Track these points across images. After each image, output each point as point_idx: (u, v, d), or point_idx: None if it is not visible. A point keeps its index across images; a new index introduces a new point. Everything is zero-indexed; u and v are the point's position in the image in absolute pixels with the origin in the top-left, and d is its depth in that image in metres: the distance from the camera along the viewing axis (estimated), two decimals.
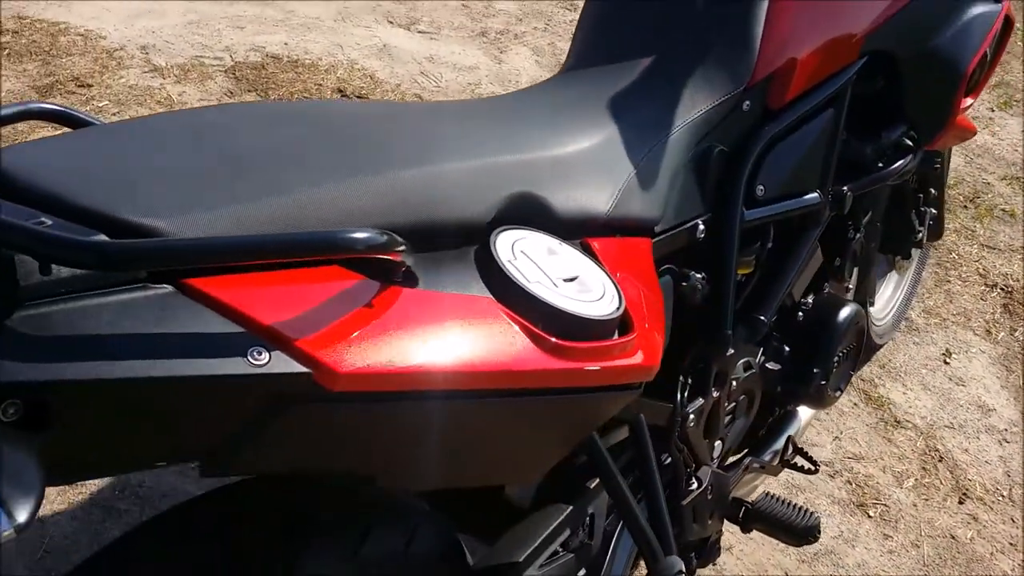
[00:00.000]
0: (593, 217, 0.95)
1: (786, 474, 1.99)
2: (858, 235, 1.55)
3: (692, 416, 1.22)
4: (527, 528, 1.09)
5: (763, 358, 1.44)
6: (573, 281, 0.84)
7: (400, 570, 1.01)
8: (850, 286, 1.65)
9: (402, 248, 0.69)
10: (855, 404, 2.21)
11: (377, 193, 0.75)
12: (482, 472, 0.87)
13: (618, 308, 0.84)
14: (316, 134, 0.82)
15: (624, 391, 0.88)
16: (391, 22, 3.52)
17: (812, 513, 1.38)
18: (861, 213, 1.53)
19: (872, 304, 2.28)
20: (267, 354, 0.61)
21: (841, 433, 2.12)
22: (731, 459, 1.45)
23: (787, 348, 1.48)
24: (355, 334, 0.65)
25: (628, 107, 1.11)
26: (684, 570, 1.00)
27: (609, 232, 0.99)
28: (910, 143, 1.49)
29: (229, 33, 3.28)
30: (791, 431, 1.57)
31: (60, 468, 0.58)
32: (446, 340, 0.71)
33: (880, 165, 1.45)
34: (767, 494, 1.43)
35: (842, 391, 1.57)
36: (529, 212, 0.88)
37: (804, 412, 1.63)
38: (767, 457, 1.51)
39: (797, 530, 1.37)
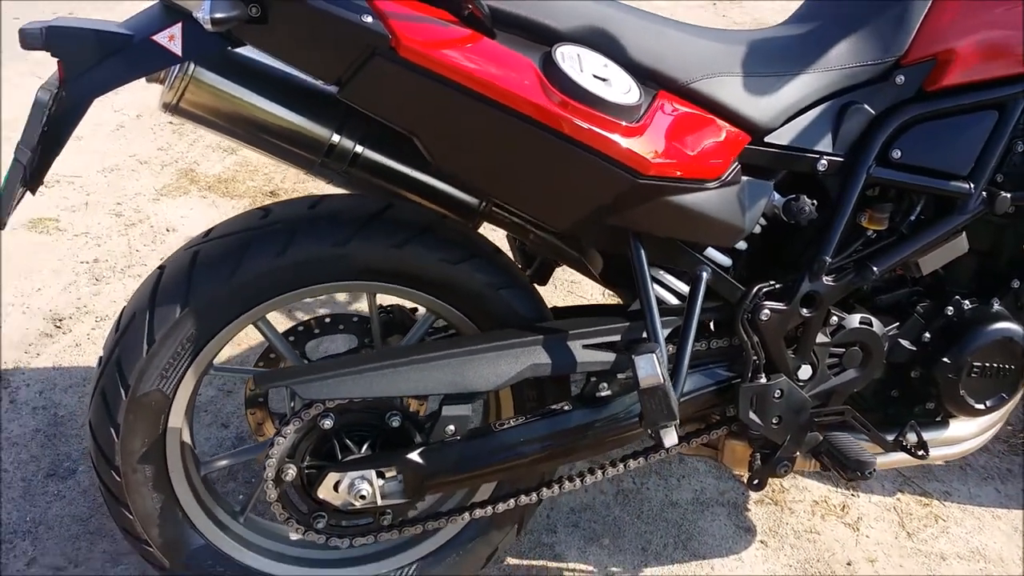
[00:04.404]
0: (670, 77, 1.31)
1: None
2: None
3: (767, 313, 1.45)
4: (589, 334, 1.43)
5: (896, 330, 1.58)
6: (603, 80, 1.23)
7: (486, 303, 1.44)
8: None
9: (483, 11, 1.17)
10: None
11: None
12: (511, 187, 1.27)
13: (622, 102, 1.21)
14: None
15: (613, 167, 1.22)
16: None
17: (871, 455, 1.49)
18: None
19: None
20: (371, 19, 1.13)
21: None
22: (832, 403, 1.58)
23: (928, 335, 1.58)
24: (430, 35, 1.14)
25: (780, 44, 1.43)
26: (658, 354, 1.27)
27: (691, 100, 1.33)
28: None
29: None
30: (927, 430, 1.63)
31: (262, 46, 1.15)
32: (485, 63, 1.17)
33: None
34: (843, 435, 1.55)
35: (987, 409, 1.61)
36: (615, 47, 1.29)
37: (957, 428, 1.67)
38: (889, 435, 1.60)
39: (852, 464, 1.48)
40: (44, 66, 3.84)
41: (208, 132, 1.41)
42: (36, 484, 1.94)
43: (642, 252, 1.36)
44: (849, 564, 1.87)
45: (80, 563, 1.78)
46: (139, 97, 3.67)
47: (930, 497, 2.06)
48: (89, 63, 1.12)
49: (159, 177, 3.15)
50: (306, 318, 1.63)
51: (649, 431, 1.31)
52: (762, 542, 1.91)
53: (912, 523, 1.98)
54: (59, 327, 2.42)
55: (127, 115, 3.57)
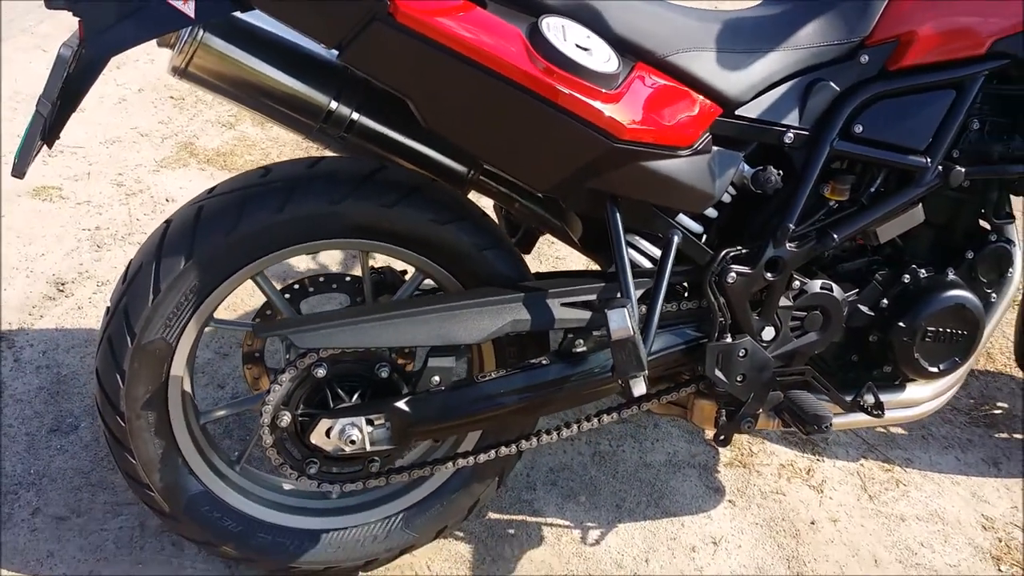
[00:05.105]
0: (648, 50, 1.41)
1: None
2: (999, 241, 1.68)
3: (734, 276, 1.55)
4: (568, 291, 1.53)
5: (856, 296, 1.68)
6: (584, 50, 1.32)
7: (471, 263, 1.53)
8: (994, 295, 1.74)
9: None
10: None
11: None
12: (497, 149, 1.36)
13: (601, 71, 1.31)
14: None
15: (590, 130, 1.32)
16: None
17: (828, 411, 1.59)
18: (999, 215, 1.67)
19: None
20: None
21: None
22: (794, 364, 1.68)
23: (886, 301, 1.69)
24: (426, 2, 1.22)
25: (753, 23, 1.52)
26: (629, 309, 1.37)
27: (667, 73, 1.42)
28: None
29: None
30: (885, 393, 1.73)
31: (269, 10, 1.24)
32: (476, 31, 1.25)
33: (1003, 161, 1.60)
34: (803, 393, 1.65)
35: (940, 372, 1.71)
36: (597, 20, 1.37)
37: (913, 391, 1.78)
38: (847, 396, 1.70)
39: (810, 418, 1.58)
40: (51, 39, 3.93)
41: (213, 96, 1.50)
42: (40, 439, 2.03)
43: (618, 216, 1.45)
44: (812, 523, 1.98)
45: (82, 513, 1.87)
46: (141, 72, 3.75)
47: (892, 463, 2.16)
48: (108, 23, 1.21)
49: (159, 149, 3.24)
50: (302, 277, 1.73)
51: (620, 381, 1.41)
52: (730, 501, 2.02)
53: (874, 487, 2.09)
54: (62, 291, 2.51)
55: (129, 89, 3.65)
